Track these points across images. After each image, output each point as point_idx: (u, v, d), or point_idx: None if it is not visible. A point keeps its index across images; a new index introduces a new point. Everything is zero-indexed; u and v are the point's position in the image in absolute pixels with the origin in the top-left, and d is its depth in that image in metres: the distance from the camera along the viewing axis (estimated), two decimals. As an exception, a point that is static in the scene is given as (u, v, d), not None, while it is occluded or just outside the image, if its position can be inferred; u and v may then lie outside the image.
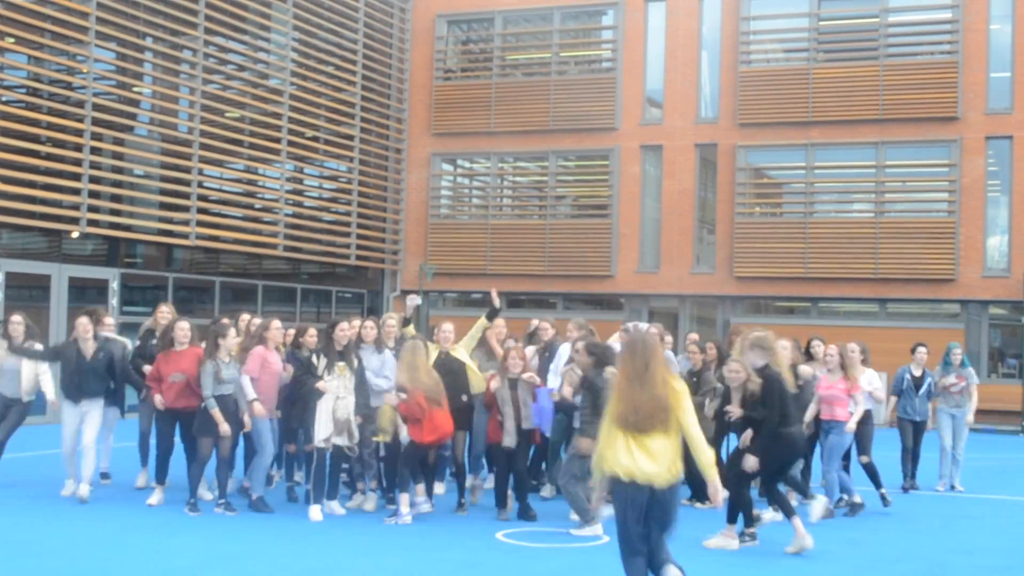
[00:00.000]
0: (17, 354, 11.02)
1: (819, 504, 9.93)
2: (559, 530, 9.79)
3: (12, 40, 17.63)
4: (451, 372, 10.61)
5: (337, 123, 24.39)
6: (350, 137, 24.68)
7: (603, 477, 6.30)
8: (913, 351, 13.03)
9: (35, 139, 18.17)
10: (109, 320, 11.65)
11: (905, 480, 12.74)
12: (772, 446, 9.18)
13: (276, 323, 10.70)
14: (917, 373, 12.85)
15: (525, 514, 10.33)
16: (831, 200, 24.32)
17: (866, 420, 11.31)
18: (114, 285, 19.47)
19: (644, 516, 6.18)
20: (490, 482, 11.36)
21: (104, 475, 11.63)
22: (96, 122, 18.61)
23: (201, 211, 20.78)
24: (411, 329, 11.57)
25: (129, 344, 11.64)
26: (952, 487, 12.89)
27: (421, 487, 10.26)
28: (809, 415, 11.02)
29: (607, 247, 24.75)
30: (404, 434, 10.16)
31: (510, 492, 10.48)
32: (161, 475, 10.64)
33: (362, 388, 10.37)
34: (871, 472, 11.33)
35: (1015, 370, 22.63)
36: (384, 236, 26.24)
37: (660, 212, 24.70)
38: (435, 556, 8.68)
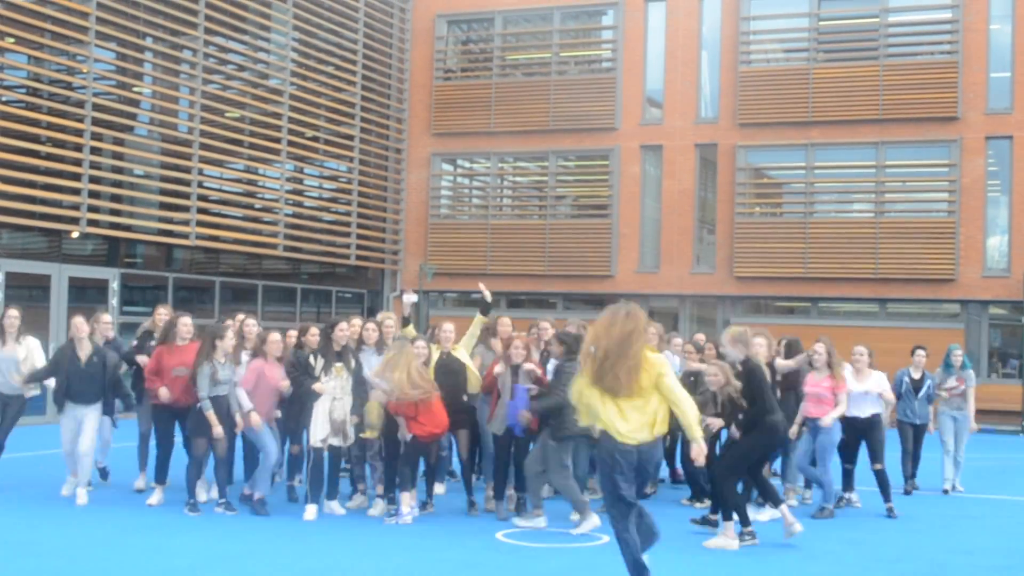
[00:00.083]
0: (28, 383, 11.04)
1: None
2: (559, 530, 9.78)
3: (12, 40, 17.64)
4: (452, 372, 10.60)
5: (337, 123, 24.39)
6: (350, 137, 24.68)
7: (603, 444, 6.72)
8: (912, 354, 13.01)
9: (35, 139, 18.17)
10: (107, 319, 11.62)
11: (906, 483, 12.72)
12: (757, 435, 9.44)
13: (275, 336, 10.61)
14: (916, 376, 12.82)
15: (524, 508, 10.34)
16: (831, 200, 24.32)
17: (877, 425, 11.28)
18: (114, 285, 19.47)
19: (635, 473, 6.65)
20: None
21: (103, 472, 11.55)
22: (96, 122, 18.62)
23: (201, 211, 20.78)
24: (411, 330, 11.52)
25: (123, 348, 11.47)
26: (953, 487, 12.86)
27: (413, 492, 10.29)
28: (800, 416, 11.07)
29: (607, 247, 24.75)
30: (403, 433, 10.16)
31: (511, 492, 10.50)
32: (161, 475, 10.63)
33: (359, 389, 10.36)
34: (882, 481, 11.20)
35: (1015, 370, 22.63)
36: (384, 236, 26.24)
37: (660, 212, 24.70)
38: (435, 556, 8.68)
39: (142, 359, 11.17)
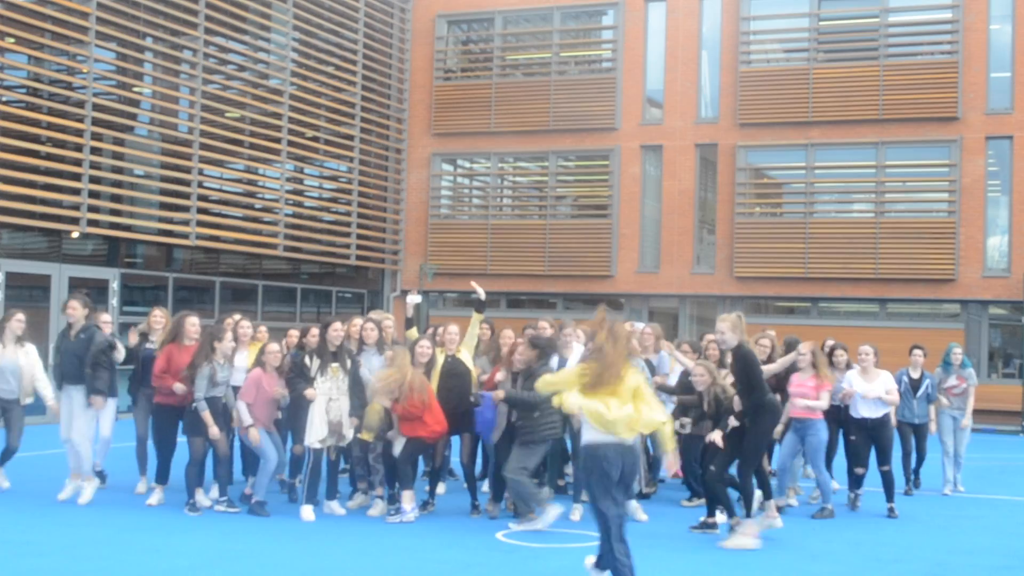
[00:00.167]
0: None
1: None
2: (559, 530, 9.78)
3: (12, 40, 17.64)
4: (457, 375, 10.60)
5: (337, 123, 24.39)
6: (350, 137, 24.68)
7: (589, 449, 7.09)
8: (910, 353, 12.99)
9: (35, 139, 18.18)
10: (107, 319, 11.60)
11: (907, 483, 12.70)
12: (764, 418, 9.60)
13: (274, 346, 10.60)
14: (915, 375, 12.80)
15: (522, 512, 10.34)
16: (831, 200, 24.33)
17: (885, 426, 11.25)
18: (114, 285, 19.48)
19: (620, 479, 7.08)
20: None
21: (100, 475, 11.42)
22: (96, 122, 18.62)
23: (201, 211, 20.78)
24: (414, 332, 11.52)
25: (120, 345, 11.21)
26: (955, 487, 12.84)
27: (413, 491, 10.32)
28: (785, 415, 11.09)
29: (607, 247, 24.75)
30: (397, 448, 10.16)
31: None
32: (162, 476, 10.63)
33: (356, 389, 10.36)
34: (887, 482, 11.16)
35: (1016, 370, 22.63)
36: (384, 236, 26.24)
37: (660, 212, 24.70)
38: (435, 556, 8.68)
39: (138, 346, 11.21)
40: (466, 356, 10.90)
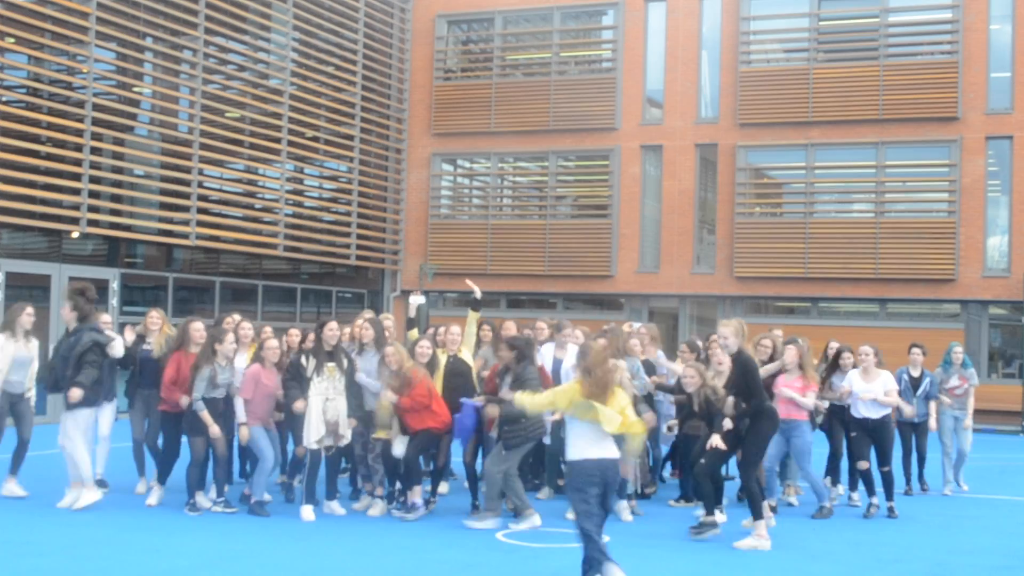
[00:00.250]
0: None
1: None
2: (559, 530, 9.78)
3: (12, 40, 17.64)
4: (460, 374, 10.63)
5: (337, 123, 24.39)
6: (350, 137, 24.68)
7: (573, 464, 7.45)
8: (909, 352, 12.96)
9: (35, 139, 18.17)
10: (107, 319, 11.59)
11: (907, 483, 12.69)
12: (764, 423, 9.66)
13: (272, 342, 10.58)
14: (915, 374, 12.79)
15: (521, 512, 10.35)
16: (831, 200, 24.33)
17: (887, 426, 11.14)
18: (114, 285, 19.48)
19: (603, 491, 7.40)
20: None
21: (100, 483, 11.21)
22: (96, 122, 18.62)
23: (201, 211, 20.78)
24: (414, 332, 11.53)
25: (118, 341, 10.92)
26: (957, 484, 12.79)
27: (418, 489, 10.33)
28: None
29: (607, 247, 24.75)
30: (398, 449, 10.17)
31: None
32: (163, 477, 10.61)
33: (353, 389, 10.35)
34: (887, 482, 11.09)
35: (1016, 370, 22.62)
36: (384, 236, 26.24)
37: (660, 212, 24.70)
38: (435, 556, 8.69)
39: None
40: (467, 355, 10.91)
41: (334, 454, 10.37)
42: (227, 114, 21.63)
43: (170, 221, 20.50)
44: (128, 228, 20.18)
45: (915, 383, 12.73)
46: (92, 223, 18.71)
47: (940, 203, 23.01)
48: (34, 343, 11.17)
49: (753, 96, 23.86)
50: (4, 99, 17.72)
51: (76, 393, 10.26)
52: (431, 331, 11.78)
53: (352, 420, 10.28)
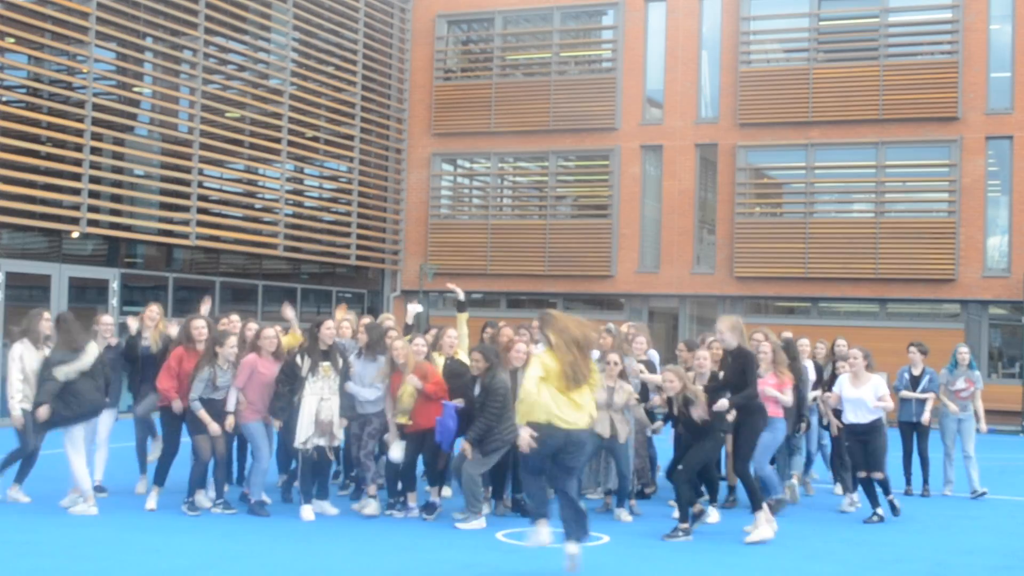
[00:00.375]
0: None
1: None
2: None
3: (12, 40, 17.64)
4: (458, 375, 10.62)
5: (337, 123, 24.39)
6: (350, 137, 24.68)
7: (531, 423, 7.88)
8: (908, 351, 12.90)
9: (35, 139, 18.18)
10: (108, 320, 11.57)
11: (907, 483, 12.66)
12: (755, 418, 9.89)
13: (269, 331, 10.56)
14: (916, 372, 12.76)
15: (521, 507, 10.37)
16: (831, 200, 24.33)
17: (878, 431, 10.83)
18: (114, 285, 19.48)
19: (554, 453, 7.90)
20: None
21: (99, 489, 11.07)
22: (96, 122, 18.62)
23: (201, 211, 20.78)
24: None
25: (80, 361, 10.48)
26: (974, 491, 12.41)
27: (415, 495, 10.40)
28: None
29: (607, 247, 24.75)
30: (395, 453, 10.16)
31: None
32: (160, 478, 10.54)
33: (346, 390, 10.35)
34: (884, 487, 10.81)
35: (1016, 370, 22.62)
36: (384, 236, 26.24)
37: (660, 212, 24.70)
38: (435, 556, 8.68)
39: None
40: (464, 357, 10.92)
41: (321, 455, 10.26)
42: (227, 114, 21.63)
43: (170, 221, 20.50)
44: (128, 228, 20.18)
45: (915, 382, 12.70)
46: (92, 223, 18.71)
47: (940, 203, 23.01)
48: (45, 351, 11.09)
49: (753, 96, 23.86)
50: (4, 99, 17.72)
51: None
52: (433, 331, 11.75)
53: (344, 420, 10.25)
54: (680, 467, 9.86)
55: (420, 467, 10.74)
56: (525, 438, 8.00)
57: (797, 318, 23.56)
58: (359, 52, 24.91)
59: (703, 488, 10.68)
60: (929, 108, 22.70)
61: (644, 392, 11.26)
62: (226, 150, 21.47)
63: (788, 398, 10.76)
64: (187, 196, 20.50)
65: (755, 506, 9.55)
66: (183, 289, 21.36)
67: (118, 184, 19.49)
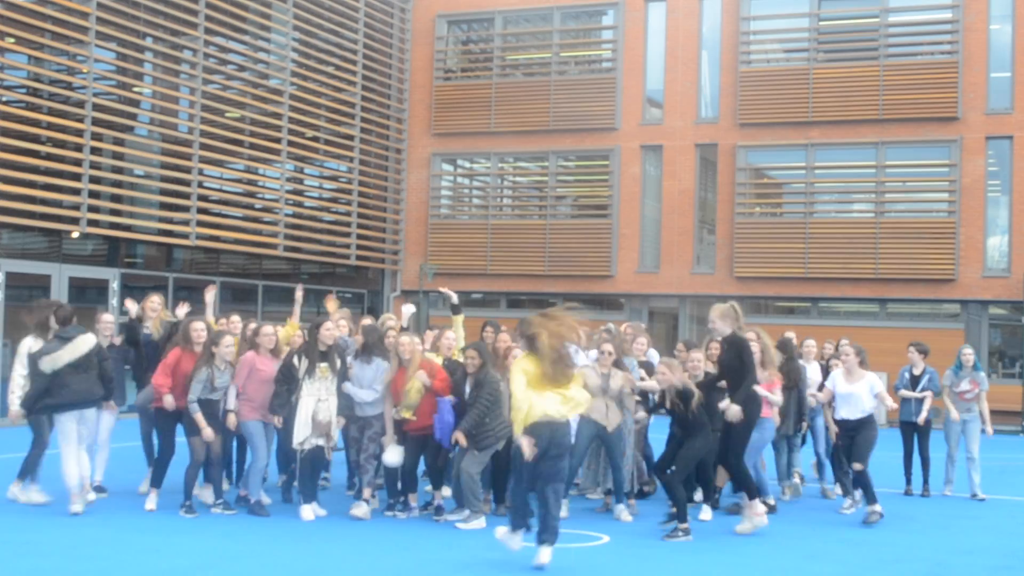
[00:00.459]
0: None
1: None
2: (560, 530, 9.76)
3: (12, 40, 17.64)
4: (451, 373, 10.61)
5: (337, 123, 24.40)
6: (350, 137, 24.69)
7: (526, 425, 8.22)
8: (908, 351, 12.88)
9: (35, 139, 18.18)
10: (109, 319, 11.56)
11: (907, 484, 12.64)
12: (746, 407, 9.78)
13: (267, 328, 10.53)
14: (916, 372, 12.74)
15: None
16: (831, 200, 24.34)
17: (867, 426, 10.87)
18: (114, 285, 19.48)
19: (542, 453, 8.20)
20: None
21: (99, 489, 11.03)
22: (96, 122, 18.62)
23: (201, 211, 20.79)
24: None
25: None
26: (974, 494, 12.34)
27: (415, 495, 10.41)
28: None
29: (607, 247, 24.75)
30: (390, 457, 10.16)
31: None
32: (158, 478, 10.51)
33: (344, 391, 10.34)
34: (864, 483, 10.72)
35: (1016, 370, 22.61)
36: (384, 236, 26.25)
37: (660, 212, 24.70)
38: (435, 556, 8.68)
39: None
40: (460, 357, 10.93)
41: (316, 456, 10.24)
42: (227, 114, 21.64)
43: (170, 221, 20.51)
44: (128, 228, 20.19)
45: (915, 381, 12.67)
46: (92, 223, 18.72)
47: (940, 203, 23.01)
48: None
49: (753, 96, 23.86)
50: (4, 99, 17.73)
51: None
52: (434, 332, 11.74)
53: (340, 419, 10.23)
54: (673, 468, 9.83)
55: (420, 467, 10.72)
56: (528, 448, 8.11)
57: (797, 318, 23.55)
58: (359, 52, 24.91)
59: (696, 484, 10.76)
60: (929, 108, 22.70)
61: (645, 400, 11.19)
62: (226, 150, 21.47)
63: (778, 398, 10.77)
64: (187, 196, 20.51)
65: (749, 495, 9.58)
66: (183, 289, 21.32)
67: (118, 184, 19.49)
